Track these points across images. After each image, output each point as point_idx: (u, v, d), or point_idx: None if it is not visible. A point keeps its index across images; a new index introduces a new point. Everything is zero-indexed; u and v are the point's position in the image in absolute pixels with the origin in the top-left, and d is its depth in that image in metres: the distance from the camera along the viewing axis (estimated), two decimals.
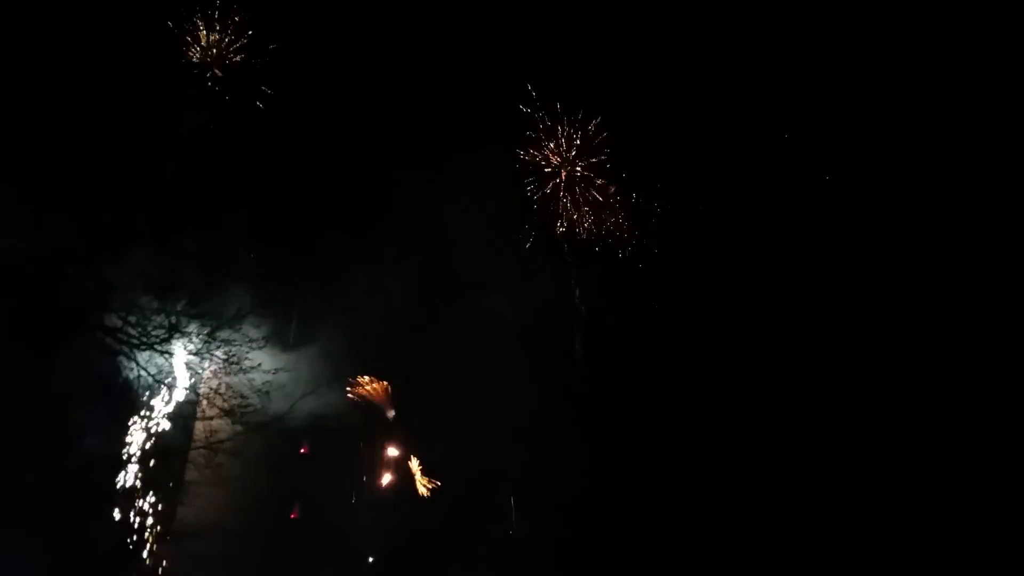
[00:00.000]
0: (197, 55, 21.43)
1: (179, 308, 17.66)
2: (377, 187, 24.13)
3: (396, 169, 23.83)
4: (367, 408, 26.76)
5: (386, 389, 27.15)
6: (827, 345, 22.62)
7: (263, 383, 18.51)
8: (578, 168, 25.46)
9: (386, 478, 26.33)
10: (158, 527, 19.03)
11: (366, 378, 26.73)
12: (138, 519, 18.55)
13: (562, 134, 25.24)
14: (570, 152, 25.44)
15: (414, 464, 27.08)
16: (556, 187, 25.54)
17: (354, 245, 24.04)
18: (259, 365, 18.47)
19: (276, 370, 18.88)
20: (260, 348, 18.35)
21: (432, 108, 23.23)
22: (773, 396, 22.65)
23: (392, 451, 26.90)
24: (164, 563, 18.94)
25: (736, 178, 24.12)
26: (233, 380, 18.46)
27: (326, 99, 22.80)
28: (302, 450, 23.76)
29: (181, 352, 18.59)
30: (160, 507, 19.30)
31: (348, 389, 26.29)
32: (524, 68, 24.29)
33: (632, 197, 25.14)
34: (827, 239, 23.28)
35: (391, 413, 27.17)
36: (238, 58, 21.78)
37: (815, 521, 21.48)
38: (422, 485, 26.75)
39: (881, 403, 21.81)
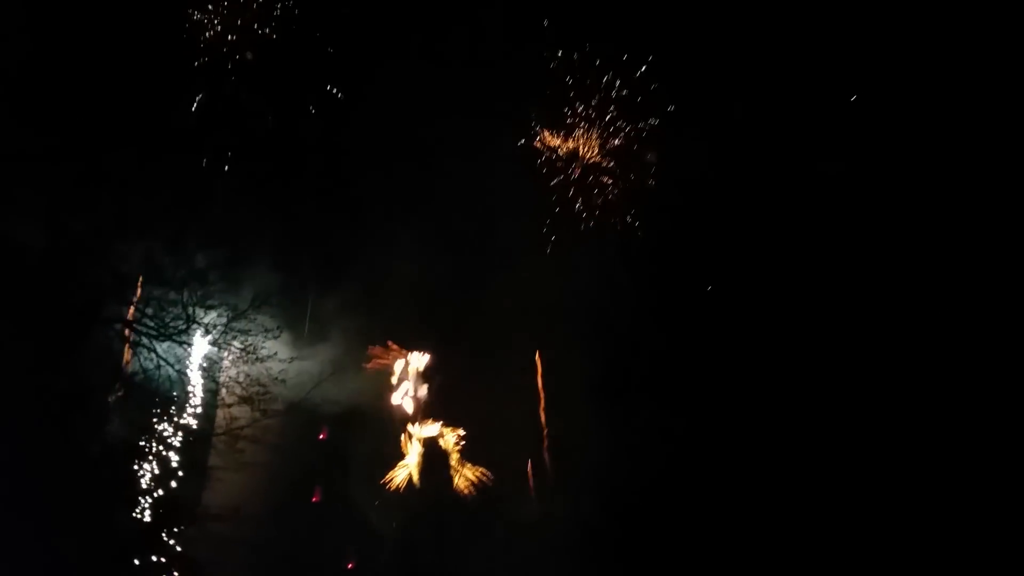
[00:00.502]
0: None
1: (195, 300, 18.16)
2: (390, 169, 24.40)
3: (407, 151, 24.09)
4: (391, 385, 27.04)
5: (408, 362, 27.33)
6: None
7: (279, 371, 18.96)
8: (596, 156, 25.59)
9: (412, 456, 26.66)
10: (182, 512, 19.70)
11: (392, 345, 26.93)
12: (162, 504, 19.26)
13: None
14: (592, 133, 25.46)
15: (447, 440, 27.28)
16: (569, 180, 25.71)
17: (370, 229, 24.42)
18: (275, 354, 18.92)
19: (292, 359, 19.33)
20: (276, 338, 18.81)
21: (451, 79, 23.43)
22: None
23: (420, 428, 27.14)
24: (188, 546, 19.60)
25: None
26: (251, 369, 18.94)
27: (338, 76, 23.15)
28: (321, 435, 24.33)
29: (199, 342, 19.18)
30: (183, 492, 19.98)
31: (372, 359, 26.46)
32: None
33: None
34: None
35: (420, 389, 27.34)
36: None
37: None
38: (456, 466, 26.96)
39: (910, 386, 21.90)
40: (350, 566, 24.87)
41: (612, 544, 23.14)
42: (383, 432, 27.01)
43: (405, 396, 27.35)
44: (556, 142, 25.84)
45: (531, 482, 26.63)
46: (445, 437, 27.44)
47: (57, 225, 15.99)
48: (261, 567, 20.39)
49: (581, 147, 25.78)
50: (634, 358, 24.99)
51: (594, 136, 25.56)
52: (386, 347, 27.08)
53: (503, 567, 24.76)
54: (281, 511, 21.74)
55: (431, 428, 27.31)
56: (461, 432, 27.20)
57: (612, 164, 25.71)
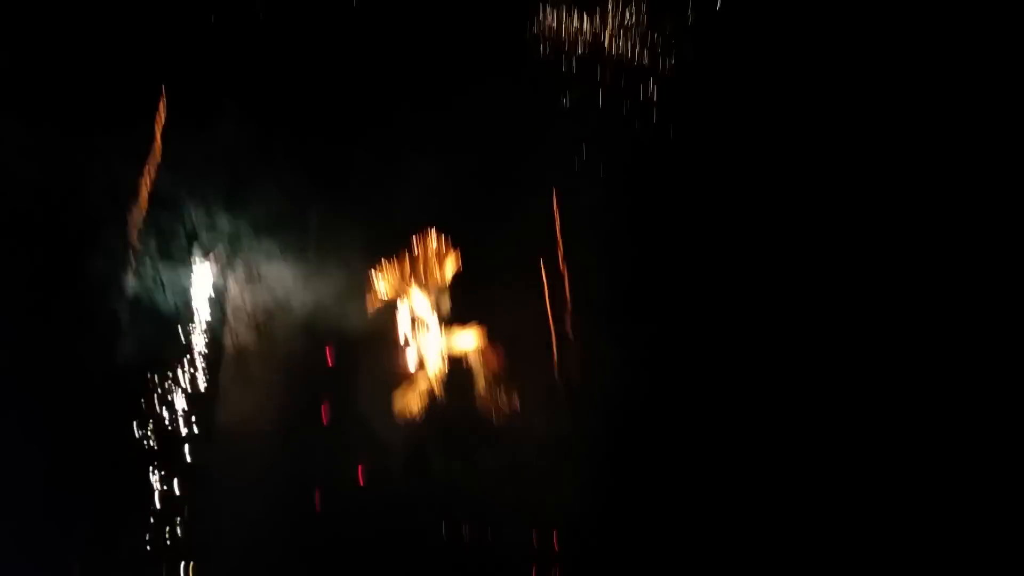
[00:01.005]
0: None
1: (196, 222, 18.25)
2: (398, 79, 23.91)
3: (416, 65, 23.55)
4: (401, 299, 27.18)
5: (420, 274, 27.38)
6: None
7: (284, 293, 19.16)
8: None
9: (424, 368, 26.99)
10: (194, 430, 20.31)
11: (404, 257, 26.89)
12: (174, 423, 19.84)
13: None
14: None
15: (462, 352, 27.55)
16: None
17: (376, 144, 24.09)
18: (280, 276, 19.08)
19: (296, 280, 19.48)
20: (280, 260, 18.92)
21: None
22: None
23: (433, 340, 27.35)
24: (201, 462, 20.28)
25: None
26: (256, 292, 19.18)
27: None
28: (328, 354, 24.70)
29: (203, 266, 19.35)
30: (194, 412, 20.53)
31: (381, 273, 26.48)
32: None
33: None
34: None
35: (434, 301, 27.51)
36: None
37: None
38: (472, 378, 27.24)
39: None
40: (360, 479, 25.64)
41: (625, 460, 23.58)
42: (393, 348, 27.41)
43: (416, 308, 27.54)
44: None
45: (545, 396, 27.03)
46: (459, 348, 27.73)
47: (49, 152, 15.93)
48: (273, 480, 21.01)
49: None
50: (650, 273, 24.87)
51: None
52: (396, 261, 27.03)
53: (515, 480, 25.40)
54: (291, 428, 22.26)
55: (444, 340, 27.53)
56: (477, 343, 27.45)
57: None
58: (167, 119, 19.96)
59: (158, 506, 19.08)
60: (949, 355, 21.36)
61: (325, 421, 25.15)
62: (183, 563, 19.17)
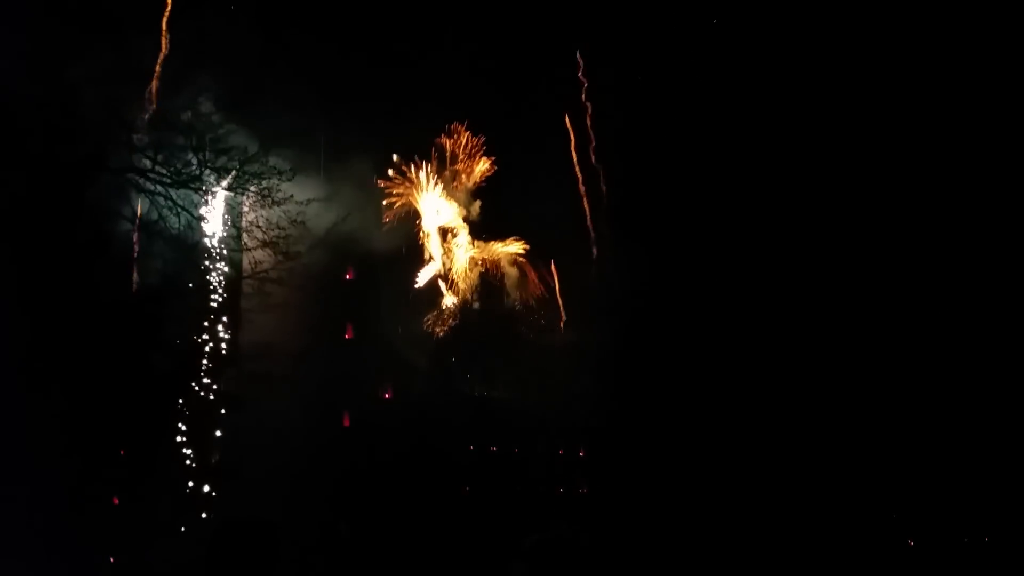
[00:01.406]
0: None
1: (205, 143, 17.77)
2: None
3: None
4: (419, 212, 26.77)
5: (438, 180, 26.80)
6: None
7: (297, 213, 18.78)
8: None
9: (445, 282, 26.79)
10: (216, 352, 20.35)
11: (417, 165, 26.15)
12: (195, 346, 19.87)
13: None
14: None
15: (486, 258, 27.22)
16: None
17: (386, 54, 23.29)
18: (291, 196, 18.66)
19: (309, 200, 19.07)
20: (289, 180, 18.46)
21: None
22: None
23: (459, 247, 27.02)
24: (225, 384, 20.41)
25: None
26: (269, 212, 18.80)
27: None
28: (348, 275, 24.57)
29: (215, 188, 18.95)
30: (215, 334, 20.54)
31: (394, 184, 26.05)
32: None
33: None
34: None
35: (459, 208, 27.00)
36: None
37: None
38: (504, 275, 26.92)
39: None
40: (387, 395, 25.86)
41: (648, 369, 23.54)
42: (416, 260, 27.20)
43: (441, 216, 27.08)
44: None
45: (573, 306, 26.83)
46: (484, 256, 27.35)
47: (54, 76, 15.38)
48: (297, 400, 21.18)
49: None
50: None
51: None
52: (409, 169, 26.42)
53: (541, 392, 25.53)
54: (313, 348, 22.31)
55: (469, 249, 27.16)
56: (502, 250, 27.09)
57: None
58: (171, 33, 19.24)
59: (183, 427, 19.28)
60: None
61: (348, 338, 25.24)
62: (212, 482, 19.50)
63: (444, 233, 27.58)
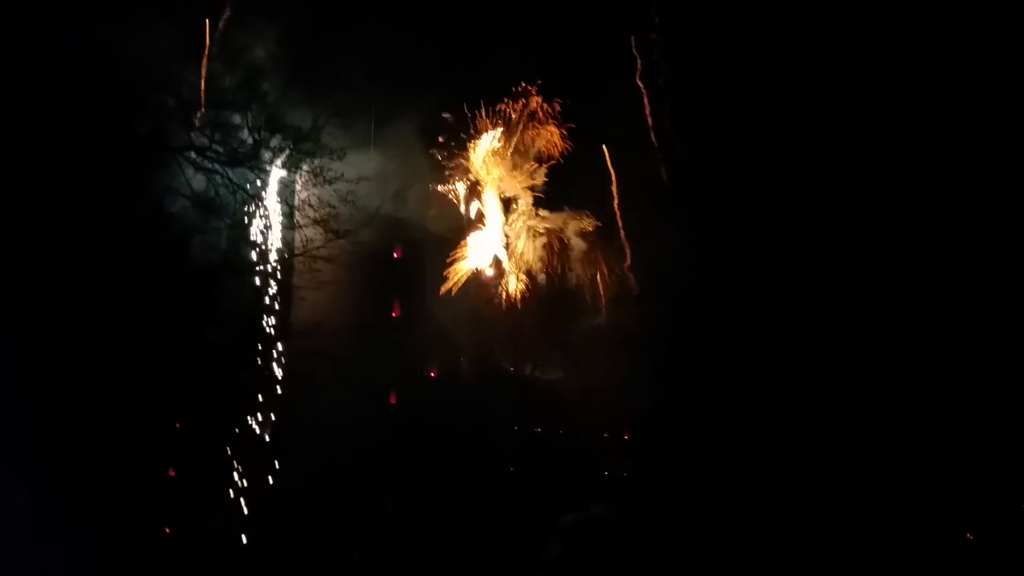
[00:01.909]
0: None
1: (260, 123, 18.06)
2: None
3: None
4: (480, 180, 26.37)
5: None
6: None
7: (348, 191, 19.05)
8: None
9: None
10: (268, 328, 20.77)
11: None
12: (249, 322, 20.29)
13: None
14: None
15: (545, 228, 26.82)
16: None
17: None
18: (342, 175, 18.92)
19: (359, 178, 19.31)
20: (341, 159, 18.71)
21: None
22: None
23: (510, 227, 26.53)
24: (277, 361, 20.84)
25: None
26: (320, 191, 19.10)
27: None
28: (396, 253, 24.73)
29: (269, 167, 19.27)
30: (268, 311, 20.95)
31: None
32: None
33: None
34: None
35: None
36: None
37: None
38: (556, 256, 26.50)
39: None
40: (433, 374, 26.08)
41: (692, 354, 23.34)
42: (465, 240, 27.14)
43: (492, 194, 26.73)
44: None
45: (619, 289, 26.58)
46: (537, 235, 27.08)
47: (114, 56, 15.77)
48: (345, 377, 21.51)
49: None
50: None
51: None
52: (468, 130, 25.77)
53: (586, 375, 25.45)
54: (362, 326, 22.57)
55: (522, 228, 26.77)
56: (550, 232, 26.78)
57: None
58: (225, 16, 19.53)
59: (237, 404, 19.76)
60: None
61: (396, 316, 25.46)
62: (263, 455, 19.97)
63: (507, 203, 27.07)
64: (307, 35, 19.23)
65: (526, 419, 25.28)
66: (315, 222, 19.08)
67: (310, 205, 19.20)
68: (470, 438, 23.61)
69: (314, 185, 18.92)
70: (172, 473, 17.95)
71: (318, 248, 19.69)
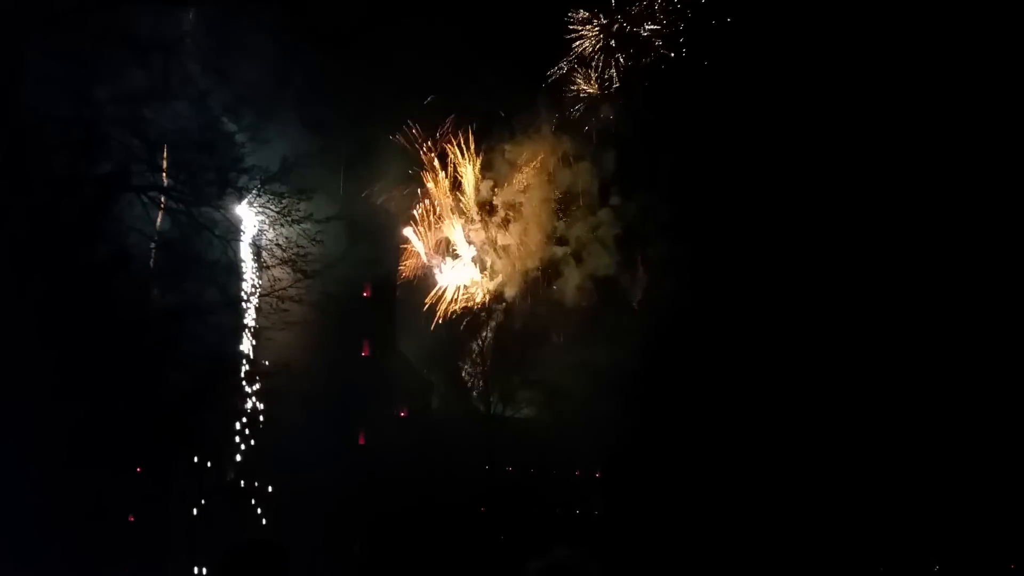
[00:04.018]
0: None
1: (227, 164, 17.91)
2: None
3: None
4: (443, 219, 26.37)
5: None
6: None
7: (316, 231, 18.91)
8: None
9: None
10: (234, 369, 20.44)
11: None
12: (213, 364, 19.94)
13: None
14: None
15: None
16: None
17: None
18: (311, 215, 18.81)
19: (328, 218, 19.20)
20: (309, 199, 18.60)
21: None
22: None
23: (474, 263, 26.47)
24: (242, 401, 20.49)
25: None
26: (288, 231, 18.94)
27: None
28: (365, 293, 24.64)
29: (236, 207, 19.12)
30: (233, 352, 20.64)
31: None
32: None
33: None
34: None
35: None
36: None
37: None
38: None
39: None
40: (403, 414, 25.84)
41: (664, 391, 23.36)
42: (433, 278, 27.08)
43: (458, 231, 26.66)
44: None
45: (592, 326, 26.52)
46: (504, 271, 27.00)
47: (77, 95, 15.62)
48: (316, 417, 21.23)
49: None
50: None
51: None
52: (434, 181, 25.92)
53: (559, 414, 25.34)
54: (331, 366, 22.36)
55: (487, 263, 26.67)
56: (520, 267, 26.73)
57: None
58: (192, 57, 19.44)
59: (201, 446, 19.34)
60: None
61: (365, 355, 25.24)
62: (226, 500, 19.53)
63: (461, 246, 27.12)
64: (276, 75, 19.16)
65: (497, 458, 25.11)
66: (283, 262, 18.85)
67: (278, 245, 18.97)
68: (440, 478, 23.34)
69: (281, 225, 18.73)
70: (131, 519, 17.45)
71: (286, 288, 19.44)
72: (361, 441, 24.79)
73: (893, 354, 21.91)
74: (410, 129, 25.10)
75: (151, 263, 18.21)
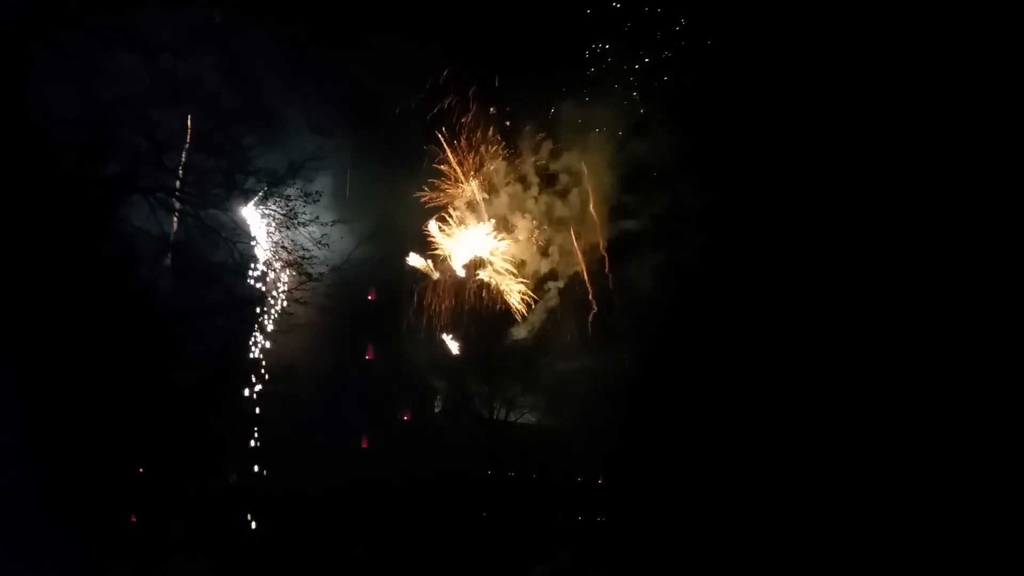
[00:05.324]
0: None
1: (234, 166, 18.04)
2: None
3: None
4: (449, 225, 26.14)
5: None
6: None
7: (322, 235, 19.02)
8: None
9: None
10: (239, 371, 20.46)
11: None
12: (217, 365, 20.00)
13: None
14: None
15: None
16: None
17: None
18: (317, 217, 18.90)
19: (334, 221, 19.30)
20: (315, 202, 18.70)
21: None
22: None
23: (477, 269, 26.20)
24: (246, 404, 20.49)
25: None
26: (294, 233, 19.05)
27: None
28: (370, 296, 24.61)
29: (242, 209, 19.19)
30: (238, 354, 20.67)
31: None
32: None
33: None
34: None
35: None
36: None
37: None
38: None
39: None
40: (406, 417, 25.82)
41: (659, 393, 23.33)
42: (436, 283, 26.99)
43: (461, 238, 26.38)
44: None
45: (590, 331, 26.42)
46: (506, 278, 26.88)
47: (85, 95, 15.74)
48: (319, 420, 21.24)
49: None
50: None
51: None
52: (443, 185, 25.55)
53: (560, 418, 25.32)
54: (335, 369, 22.34)
55: (489, 269, 26.49)
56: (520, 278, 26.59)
57: None
58: (201, 60, 19.56)
59: (207, 449, 19.37)
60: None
61: (369, 358, 25.21)
62: (230, 501, 19.54)
63: (463, 253, 26.95)
64: (284, 78, 19.26)
65: (500, 463, 25.09)
66: (289, 264, 18.95)
67: (283, 247, 19.09)
68: (443, 483, 23.32)
69: (287, 227, 18.83)
70: (133, 519, 17.48)
71: (291, 291, 19.54)
72: (364, 444, 24.78)
73: (896, 361, 21.87)
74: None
75: (158, 264, 18.31)
